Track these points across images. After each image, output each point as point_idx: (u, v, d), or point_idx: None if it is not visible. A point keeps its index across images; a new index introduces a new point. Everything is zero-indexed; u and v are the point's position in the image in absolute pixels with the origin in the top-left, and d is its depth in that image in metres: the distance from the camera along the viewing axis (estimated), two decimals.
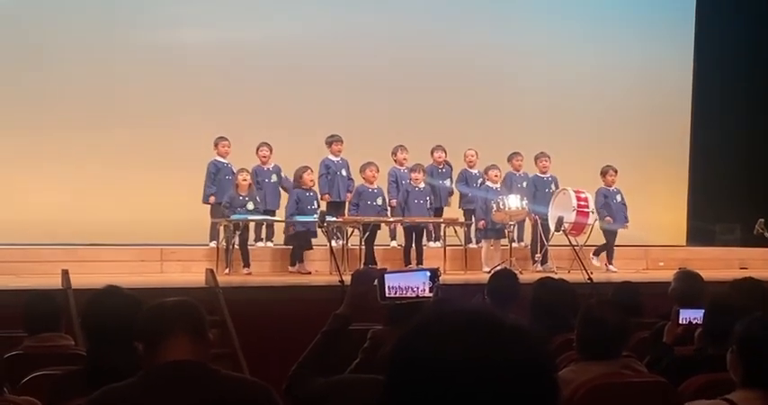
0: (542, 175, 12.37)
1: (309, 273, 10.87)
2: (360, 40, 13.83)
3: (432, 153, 12.36)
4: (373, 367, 3.06)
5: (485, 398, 1.35)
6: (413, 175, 11.52)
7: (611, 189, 12.15)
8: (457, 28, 14.38)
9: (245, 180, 10.93)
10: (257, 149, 11.65)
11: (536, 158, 12.42)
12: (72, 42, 12.53)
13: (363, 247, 11.05)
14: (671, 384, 3.71)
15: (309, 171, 11.18)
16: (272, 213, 11.52)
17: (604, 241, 12.07)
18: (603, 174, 12.26)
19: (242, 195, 10.89)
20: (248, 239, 11.01)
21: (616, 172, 12.22)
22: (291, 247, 11.15)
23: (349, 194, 11.73)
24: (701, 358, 3.99)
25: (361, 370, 3.40)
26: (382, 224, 11.54)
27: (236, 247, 10.69)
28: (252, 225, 11.21)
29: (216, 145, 11.53)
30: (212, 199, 11.37)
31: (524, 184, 12.28)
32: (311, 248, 11.03)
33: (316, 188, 11.36)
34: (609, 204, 12.03)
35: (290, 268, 10.98)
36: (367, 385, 2.73)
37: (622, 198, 12.17)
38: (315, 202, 11.12)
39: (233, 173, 11.25)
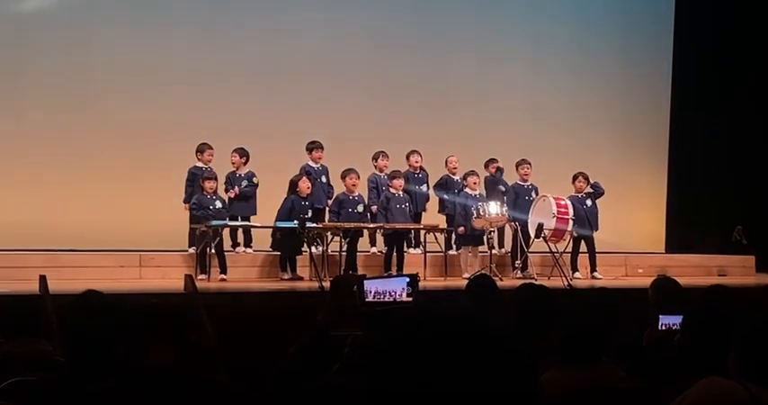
0: (523, 183, 12.35)
1: (302, 278, 10.86)
2: (341, 46, 13.83)
3: (407, 158, 12.34)
4: (354, 372, 3.06)
5: (468, 403, 1.35)
6: (394, 182, 11.50)
7: (580, 196, 12.15)
8: (437, 34, 14.42)
9: (212, 188, 10.95)
10: (231, 155, 11.62)
11: (517, 166, 12.40)
12: (50, 46, 12.43)
13: (344, 253, 11.04)
14: (650, 390, 3.73)
15: (305, 179, 11.16)
16: (247, 219, 11.48)
17: (585, 250, 12.06)
18: (573, 180, 12.25)
19: (209, 194, 10.89)
20: (224, 245, 10.97)
21: (586, 178, 12.20)
22: (279, 253, 11.10)
23: (329, 201, 11.74)
24: (680, 364, 4.01)
25: (341, 375, 3.40)
26: (364, 230, 11.53)
27: (212, 252, 10.68)
28: (226, 231, 11.16)
29: (202, 152, 11.46)
30: (186, 206, 11.35)
31: (501, 187, 12.25)
32: (300, 254, 11.00)
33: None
34: (578, 210, 11.92)
35: (282, 275, 10.94)
36: (348, 390, 2.73)
37: (593, 204, 12.16)
38: (309, 211, 11.08)
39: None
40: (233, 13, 13.39)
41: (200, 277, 10.19)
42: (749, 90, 15.32)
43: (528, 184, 12.35)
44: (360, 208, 11.47)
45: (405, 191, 11.65)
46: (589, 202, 12.04)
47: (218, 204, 10.97)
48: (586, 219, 11.87)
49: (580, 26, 15.43)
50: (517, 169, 12.41)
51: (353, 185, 11.49)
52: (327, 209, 11.71)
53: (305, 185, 11.10)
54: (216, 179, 11.09)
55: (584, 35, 15.42)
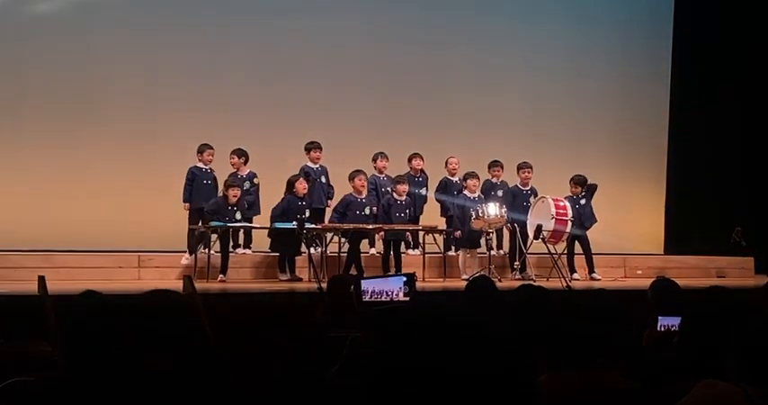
0: (522, 188, 12.28)
1: (301, 279, 10.85)
2: (340, 46, 13.84)
3: (409, 161, 12.32)
4: (353, 372, 3.06)
5: (466, 403, 1.35)
6: (399, 187, 11.46)
7: (574, 196, 12.11)
8: (437, 35, 14.43)
9: (236, 196, 10.88)
10: (229, 157, 11.60)
11: (518, 169, 12.33)
12: (49, 44, 12.42)
13: (344, 254, 11.02)
14: (649, 392, 3.72)
15: (302, 179, 11.15)
16: (249, 221, 11.47)
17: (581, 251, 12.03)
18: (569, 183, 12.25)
19: (231, 205, 10.84)
20: (229, 246, 10.96)
21: (578, 183, 12.09)
22: (278, 254, 11.09)
23: (329, 202, 11.73)
24: (679, 365, 4.01)
25: (341, 375, 3.40)
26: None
27: (215, 253, 10.66)
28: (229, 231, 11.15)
29: (202, 152, 11.43)
30: (186, 205, 11.32)
31: (500, 192, 12.24)
32: (299, 255, 11.00)
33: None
34: (574, 211, 11.86)
35: (280, 276, 10.92)
36: (347, 390, 2.73)
37: (587, 202, 12.09)
38: (306, 211, 11.06)
39: (212, 179, 11.27)
40: (233, 15, 13.38)
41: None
42: (749, 91, 15.31)
43: (527, 188, 12.28)
44: (367, 211, 11.39)
45: (409, 195, 11.63)
46: (583, 202, 12.00)
47: (238, 216, 10.92)
48: (579, 219, 11.86)
49: (580, 28, 15.41)
50: (518, 172, 12.34)
51: (362, 187, 11.44)
52: (332, 209, 11.66)
53: (301, 186, 11.09)
54: (240, 187, 11.03)
55: (583, 36, 15.42)
